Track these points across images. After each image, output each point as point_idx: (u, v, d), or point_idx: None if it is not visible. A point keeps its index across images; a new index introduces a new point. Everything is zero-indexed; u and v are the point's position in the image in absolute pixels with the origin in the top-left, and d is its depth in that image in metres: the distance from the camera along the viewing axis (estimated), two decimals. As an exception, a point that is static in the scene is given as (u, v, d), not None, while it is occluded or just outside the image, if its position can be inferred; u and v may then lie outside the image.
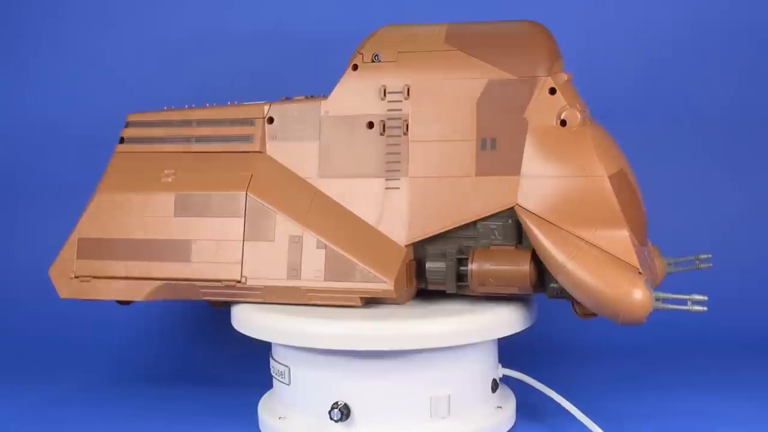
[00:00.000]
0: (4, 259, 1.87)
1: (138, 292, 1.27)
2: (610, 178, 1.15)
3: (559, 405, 1.24)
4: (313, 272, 1.20)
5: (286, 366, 1.23)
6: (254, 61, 1.85)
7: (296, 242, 1.21)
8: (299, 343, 1.18)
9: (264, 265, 1.22)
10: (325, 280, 1.20)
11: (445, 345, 1.15)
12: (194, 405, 1.40)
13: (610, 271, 1.11)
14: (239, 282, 1.23)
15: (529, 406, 1.33)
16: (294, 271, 1.21)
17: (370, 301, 1.21)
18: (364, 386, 1.18)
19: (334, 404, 1.17)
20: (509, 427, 1.25)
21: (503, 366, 1.27)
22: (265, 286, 1.22)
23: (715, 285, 1.41)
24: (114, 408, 1.40)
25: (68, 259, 1.31)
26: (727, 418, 1.31)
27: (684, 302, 1.10)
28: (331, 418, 1.17)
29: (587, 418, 1.21)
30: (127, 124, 1.36)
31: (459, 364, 1.19)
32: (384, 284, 1.18)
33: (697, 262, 1.31)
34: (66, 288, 1.31)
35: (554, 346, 1.59)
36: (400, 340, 1.14)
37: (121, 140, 1.36)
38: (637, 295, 1.09)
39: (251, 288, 1.23)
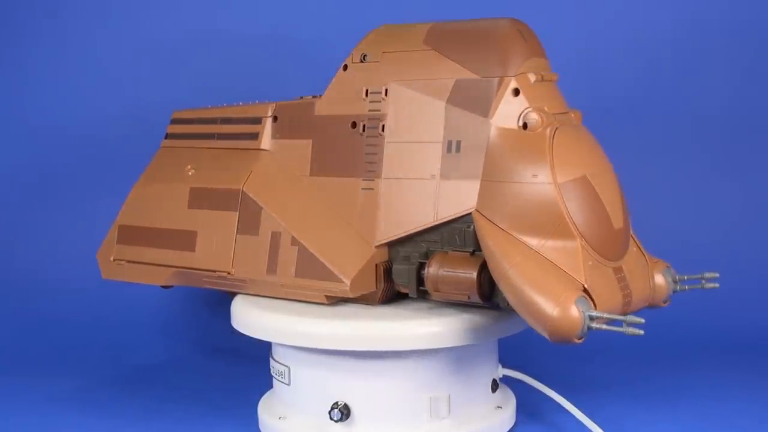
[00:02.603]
0: (4, 260, 1.86)
1: (158, 278, 1.35)
2: (563, 185, 1.08)
3: (559, 405, 1.24)
4: (287, 268, 1.22)
5: (286, 366, 1.23)
6: (260, 61, 1.86)
7: (276, 238, 1.24)
8: (299, 343, 1.18)
9: (249, 258, 1.25)
10: (296, 276, 1.21)
11: (445, 345, 1.15)
12: (194, 405, 1.40)
13: (547, 283, 1.04)
14: (229, 273, 1.27)
15: (529, 406, 1.33)
16: (273, 265, 1.23)
17: (346, 301, 1.22)
18: (364, 386, 1.18)
19: (334, 404, 1.17)
20: (509, 427, 1.25)
21: (503, 366, 1.27)
22: (250, 279, 1.25)
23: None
24: (114, 408, 1.40)
25: (110, 244, 1.40)
26: (727, 418, 1.31)
27: (619, 324, 1.01)
28: (331, 418, 1.17)
29: (587, 418, 1.21)
30: (171, 121, 1.43)
31: (459, 364, 1.19)
32: (342, 284, 1.18)
33: (703, 281, 1.22)
34: (106, 270, 1.41)
35: (554, 346, 1.59)
36: (400, 341, 1.14)
37: (166, 136, 1.43)
38: (564, 313, 1.01)
39: (238, 280, 1.26)
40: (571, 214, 1.08)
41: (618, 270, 1.11)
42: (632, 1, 1.84)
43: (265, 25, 1.87)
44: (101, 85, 1.89)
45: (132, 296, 1.80)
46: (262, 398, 1.32)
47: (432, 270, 1.16)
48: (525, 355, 1.35)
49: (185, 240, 1.31)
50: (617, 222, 1.12)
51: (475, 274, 1.12)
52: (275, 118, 1.31)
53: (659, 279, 1.18)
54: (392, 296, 1.23)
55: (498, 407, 1.25)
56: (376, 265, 1.20)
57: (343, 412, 1.17)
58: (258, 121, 1.33)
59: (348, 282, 1.17)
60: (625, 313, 1.09)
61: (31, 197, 1.89)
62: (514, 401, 1.28)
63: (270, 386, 1.32)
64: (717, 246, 1.78)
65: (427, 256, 1.18)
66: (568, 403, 1.23)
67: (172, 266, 1.33)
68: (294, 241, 1.22)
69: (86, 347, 1.69)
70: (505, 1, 1.52)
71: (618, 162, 1.81)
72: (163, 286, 1.38)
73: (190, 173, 1.35)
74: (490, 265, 1.10)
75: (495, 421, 1.23)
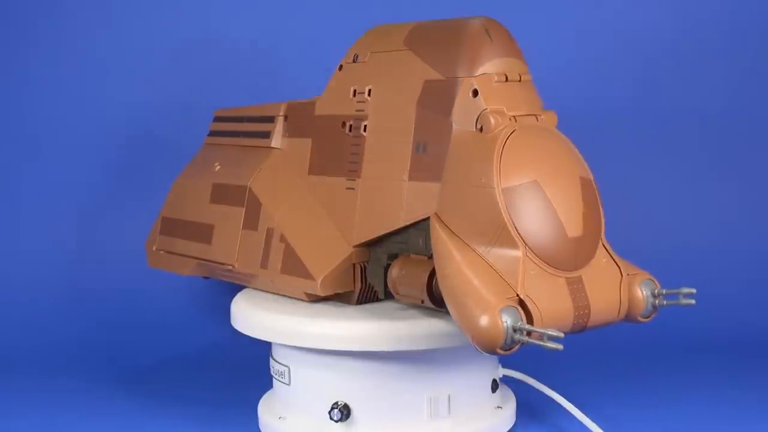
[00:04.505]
0: (3, 261, 1.86)
1: (184, 268, 1.41)
2: (508, 190, 1.03)
3: (559, 405, 1.24)
4: (275, 264, 1.24)
5: (286, 366, 1.23)
6: (269, 61, 1.87)
7: (270, 234, 1.26)
8: (299, 343, 1.18)
9: (249, 252, 1.28)
10: (281, 272, 1.23)
11: (445, 345, 1.15)
12: (194, 405, 1.40)
13: (477, 291, 1.00)
14: (233, 266, 1.30)
15: (529, 406, 1.33)
16: (265, 261, 1.26)
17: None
18: (364, 386, 1.18)
19: (334, 404, 1.17)
20: (509, 427, 1.25)
21: (503, 366, 1.27)
22: (249, 273, 1.28)
23: (714, 284, 1.41)
24: (114, 408, 1.40)
25: (155, 234, 1.48)
26: (727, 418, 1.31)
27: (540, 337, 0.97)
28: (331, 418, 1.17)
29: (587, 418, 1.21)
30: (214, 119, 1.49)
31: (459, 364, 1.19)
32: (313, 282, 1.19)
33: (681, 296, 1.10)
34: (150, 259, 1.49)
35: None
36: (400, 341, 1.14)
37: (209, 133, 1.49)
38: (487, 321, 0.97)
39: (240, 273, 1.29)
40: (515, 221, 1.03)
41: (574, 281, 1.05)
42: (632, 1, 1.84)
43: (272, 23, 1.87)
44: (102, 85, 1.89)
45: (131, 296, 1.80)
46: (262, 398, 1.32)
47: (393, 272, 1.16)
48: (525, 355, 1.34)
49: (205, 233, 1.36)
50: (573, 230, 1.05)
51: (425, 278, 1.11)
52: (286, 117, 1.34)
53: (636, 292, 1.09)
54: (372, 297, 1.23)
55: (498, 407, 1.25)
56: (354, 265, 1.21)
57: (343, 412, 1.17)
58: (271, 120, 1.35)
59: (318, 280, 1.18)
60: (583, 327, 1.04)
61: (29, 197, 1.89)
62: (514, 401, 1.28)
63: (270, 386, 1.32)
64: (717, 245, 1.78)
65: (396, 257, 1.18)
66: (568, 403, 1.23)
67: (195, 257, 1.38)
68: (282, 238, 1.24)
69: (86, 347, 1.69)
70: (504, 2, 1.52)
71: (616, 163, 1.82)
72: (204, 277, 1.43)
73: (216, 169, 1.39)
74: (436, 269, 1.07)
75: (495, 421, 1.23)
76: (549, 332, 0.96)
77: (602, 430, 1.19)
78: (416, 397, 1.18)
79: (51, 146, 1.89)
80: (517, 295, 1.00)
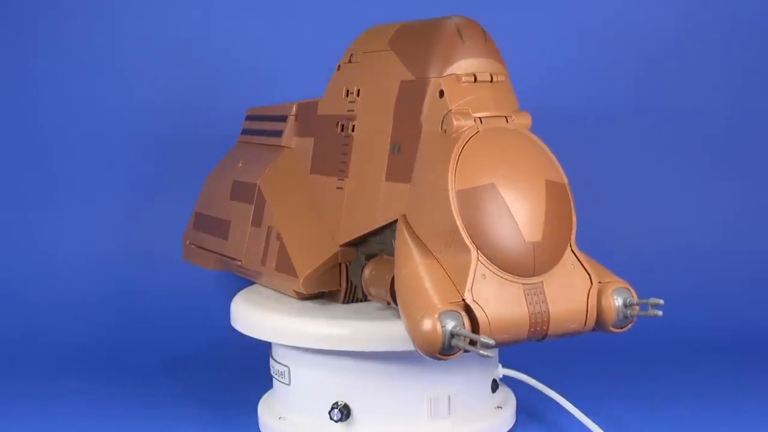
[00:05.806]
0: (3, 259, 1.86)
1: (209, 262, 1.45)
2: (461, 192, 1.01)
3: (559, 405, 1.24)
4: (271, 261, 1.26)
5: (286, 366, 1.23)
6: (272, 62, 1.86)
7: (270, 232, 1.27)
8: (299, 343, 1.18)
9: (254, 249, 1.30)
10: (276, 270, 1.25)
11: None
12: (194, 405, 1.40)
13: (422, 294, 0.98)
14: (241, 262, 1.32)
15: (529, 406, 1.33)
16: (264, 258, 1.28)
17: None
18: (364, 386, 1.18)
19: (334, 404, 1.17)
20: (509, 427, 1.25)
21: (503, 366, 1.27)
22: (253, 269, 1.30)
23: (717, 284, 1.40)
24: (114, 408, 1.40)
25: (190, 228, 1.53)
26: (727, 419, 1.31)
27: (475, 343, 0.95)
28: (331, 418, 1.17)
29: (587, 418, 1.21)
30: (246, 118, 1.52)
31: (459, 364, 1.18)
32: (296, 280, 1.20)
33: (649, 307, 1.05)
34: (185, 252, 1.53)
35: (554, 347, 1.59)
36: (400, 341, 1.14)
37: (241, 131, 1.52)
38: (426, 326, 0.95)
39: (246, 268, 1.32)
40: (467, 224, 1.00)
41: (533, 287, 1.01)
42: (634, 1, 1.84)
43: (275, 23, 1.88)
44: (102, 85, 1.89)
45: (131, 296, 1.80)
46: (262, 398, 1.32)
47: (366, 272, 1.16)
48: (525, 355, 1.34)
49: (224, 228, 1.39)
50: (532, 235, 1.00)
51: (389, 279, 1.11)
52: (296, 117, 1.35)
53: (607, 301, 1.04)
54: (361, 297, 1.23)
55: (498, 407, 1.25)
56: (341, 264, 1.21)
57: (343, 412, 1.17)
58: (284, 119, 1.36)
59: (301, 279, 1.19)
60: (543, 335, 1.01)
61: (27, 199, 1.89)
62: (514, 401, 1.28)
63: (270, 386, 1.32)
64: (717, 246, 1.78)
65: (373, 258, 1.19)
66: (568, 403, 1.23)
67: (215, 252, 1.41)
68: (278, 236, 1.25)
69: (86, 347, 1.69)
70: (506, 2, 1.52)
71: (618, 163, 1.82)
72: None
73: (239, 166, 1.42)
74: (395, 269, 1.06)
75: (495, 421, 1.22)
76: (482, 339, 0.94)
77: (602, 430, 1.19)
78: (416, 397, 1.18)
79: (52, 147, 1.89)
80: (463, 300, 0.98)
